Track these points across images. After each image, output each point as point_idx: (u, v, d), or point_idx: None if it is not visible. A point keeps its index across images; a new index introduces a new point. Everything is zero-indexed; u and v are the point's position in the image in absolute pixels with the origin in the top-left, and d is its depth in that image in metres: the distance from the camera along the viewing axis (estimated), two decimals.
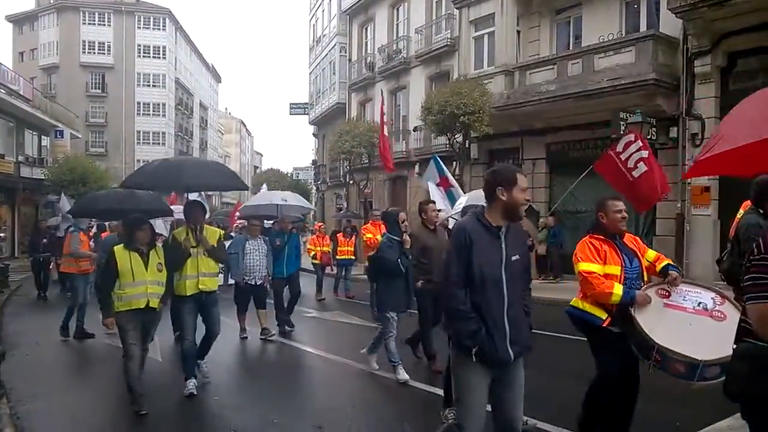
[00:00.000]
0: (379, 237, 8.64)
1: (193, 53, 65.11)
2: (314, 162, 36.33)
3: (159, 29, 53.40)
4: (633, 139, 6.77)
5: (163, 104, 53.39)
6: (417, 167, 21.28)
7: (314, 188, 31.68)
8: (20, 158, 27.75)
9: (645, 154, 6.61)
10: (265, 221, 11.03)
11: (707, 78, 12.23)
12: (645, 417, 4.74)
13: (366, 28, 26.55)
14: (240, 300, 8.63)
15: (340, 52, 28.04)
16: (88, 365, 7.20)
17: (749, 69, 12.07)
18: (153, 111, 52.77)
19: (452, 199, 9.20)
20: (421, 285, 6.07)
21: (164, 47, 53.41)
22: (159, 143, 52.96)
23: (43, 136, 31.17)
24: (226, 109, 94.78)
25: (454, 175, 17.66)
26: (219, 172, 6.77)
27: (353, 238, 14.45)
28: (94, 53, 50.61)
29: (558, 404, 5.07)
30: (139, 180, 6.30)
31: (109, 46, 50.86)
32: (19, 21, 52.60)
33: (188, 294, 5.46)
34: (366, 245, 9.33)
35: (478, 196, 7.32)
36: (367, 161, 21.64)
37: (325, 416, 4.89)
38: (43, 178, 27.13)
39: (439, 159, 9.93)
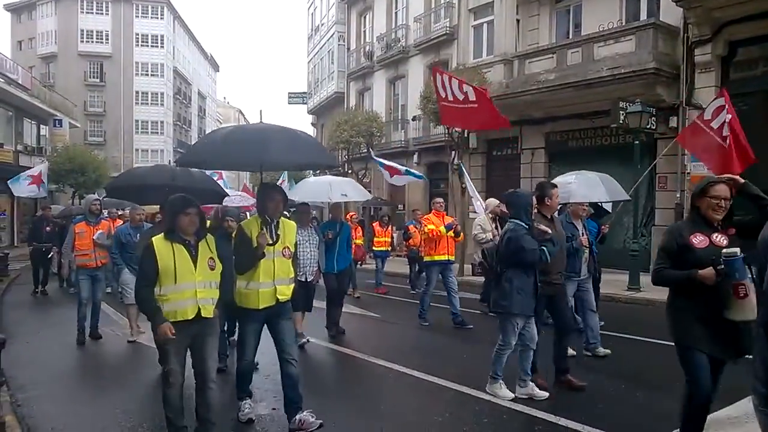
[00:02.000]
0: (442, 229, 8.20)
1: (191, 42, 64.78)
2: None
3: (157, 18, 53.10)
4: (723, 103, 6.76)
5: (162, 93, 53.21)
6: (416, 157, 21.27)
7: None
8: (19, 147, 27.67)
9: (729, 117, 6.68)
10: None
11: (707, 67, 12.18)
12: (644, 408, 4.79)
13: (364, 17, 26.40)
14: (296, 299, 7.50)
15: (339, 41, 27.90)
16: (89, 352, 7.22)
17: (749, 58, 12.02)
18: (151, 100, 52.61)
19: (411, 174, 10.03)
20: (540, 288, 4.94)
21: (162, 36, 53.14)
22: (157, 132, 52.88)
23: (41, 126, 31.07)
24: (224, 98, 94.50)
25: (452, 165, 17.74)
26: (313, 146, 5.01)
27: (390, 227, 13.82)
28: (92, 42, 50.38)
29: (570, 396, 5.10)
30: (203, 155, 4.78)
31: (107, 35, 50.63)
32: (18, 10, 52.29)
33: (260, 307, 4.19)
34: (428, 238, 8.40)
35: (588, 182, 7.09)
36: (365, 150, 21.60)
37: None
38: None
39: (379, 159, 10.50)
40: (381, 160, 10.33)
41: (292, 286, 4.36)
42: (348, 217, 13.30)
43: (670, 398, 4.84)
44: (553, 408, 4.66)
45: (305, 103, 35.04)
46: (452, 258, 8.43)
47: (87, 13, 50.31)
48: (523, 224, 4.80)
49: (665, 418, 4.37)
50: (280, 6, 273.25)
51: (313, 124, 35.96)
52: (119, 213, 11.43)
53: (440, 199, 9.05)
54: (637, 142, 11.62)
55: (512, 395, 4.82)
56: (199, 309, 3.74)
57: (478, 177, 18.52)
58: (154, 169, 7.77)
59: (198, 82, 67.32)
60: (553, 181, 6.24)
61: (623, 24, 13.94)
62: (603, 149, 14.66)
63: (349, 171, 24.33)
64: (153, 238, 3.77)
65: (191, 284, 3.72)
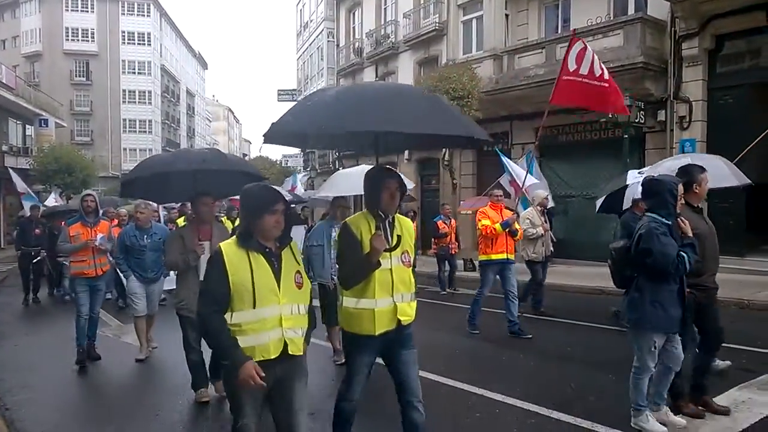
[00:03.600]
0: (497, 227, 7.17)
1: (178, 39, 64.27)
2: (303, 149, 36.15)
3: (143, 15, 52.59)
4: (582, 45, 6.44)
5: (149, 92, 52.74)
6: (407, 153, 21.24)
7: (305, 175, 31.59)
8: (4, 148, 27.34)
9: (592, 54, 6.47)
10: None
11: (695, 60, 12.25)
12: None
13: (353, 13, 26.32)
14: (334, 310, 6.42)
15: (328, 37, 27.79)
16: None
17: (736, 51, 12.11)
18: (139, 99, 52.11)
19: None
20: (688, 295, 3.98)
21: (149, 34, 52.65)
22: (146, 131, 52.42)
23: (27, 125, 30.72)
24: (213, 96, 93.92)
25: (443, 161, 17.73)
26: (447, 113, 3.32)
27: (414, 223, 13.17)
28: (78, 40, 49.78)
29: (562, 389, 5.11)
30: (300, 122, 3.11)
31: (92, 33, 50.05)
32: (0, 8, 51.58)
33: (376, 333, 3.14)
34: (482, 235, 7.37)
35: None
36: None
37: None
38: (29, 167, 26.79)
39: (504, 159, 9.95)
40: (512, 166, 9.84)
41: (415, 303, 3.33)
42: (444, 209, 12.20)
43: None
44: (548, 402, 4.68)
45: (295, 101, 34.85)
46: (512, 257, 7.42)
47: (72, 10, 49.69)
48: (663, 219, 3.82)
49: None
50: (268, 2, 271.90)
51: None
52: (114, 212, 10.28)
53: (499, 191, 7.81)
54: (626, 136, 11.69)
55: (663, 429, 3.97)
56: (285, 344, 2.68)
57: (469, 173, 18.55)
58: (178, 153, 6.63)
59: (186, 80, 66.82)
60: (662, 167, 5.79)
61: (611, 18, 13.98)
62: (593, 143, 14.74)
63: (341, 168, 24.27)
64: (221, 245, 2.71)
65: (275, 309, 2.67)
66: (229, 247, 2.68)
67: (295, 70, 34.66)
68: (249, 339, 2.62)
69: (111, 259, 6.80)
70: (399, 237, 3.23)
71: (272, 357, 2.66)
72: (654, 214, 3.88)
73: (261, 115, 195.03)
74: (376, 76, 23.74)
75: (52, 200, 17.09)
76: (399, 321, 3.18)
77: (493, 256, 7.31)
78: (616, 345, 6.49)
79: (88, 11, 50.09)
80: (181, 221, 9.67)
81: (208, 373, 5.03)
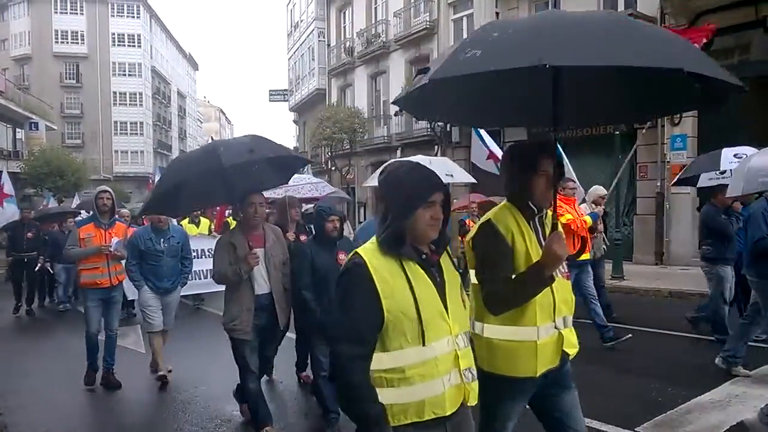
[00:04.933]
0: (587, 219, 6.31)
1: (169, 41, 63.98)
2: (295, 149, 36.02)
3: (133, 17, 52.31)
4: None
5: (140, 93, 52.48)
6: (399, 152, 21.26)
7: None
8: None
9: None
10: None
11: None
12: (627, 393, 4.83)
13: (344, 13, 26.30)
14: None
15: (319, 37, 27.76)
16: (72, 360, 7.10)
17: (726, 47, 12.17)
18: (130, 101, 51.85)
19: None
20: None
21: (139, 35, 52.38)
22: (137, 133, 52.17)
23: (17, 129, 30.51)
24: (204, 97, 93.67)
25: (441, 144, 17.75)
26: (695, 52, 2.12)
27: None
28: (67, 43, 49.48)
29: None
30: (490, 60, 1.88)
31: (82, 36, 49.76)
32: None
33: (537, 374, 2.29)
34: (566, 229, 5.97)
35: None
36: (348, 147, 21.53)
37: None
38: (19, 171, 26.62)
39: (480, 131, 8.65)
40: (486, 136, 8.71)
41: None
42: (466, 205, 10.81)
43: (658, 386, 4.91)
44: None
45: (286, 101, 34.84)
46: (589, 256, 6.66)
47: (61, 13, 49.38)
48: None
49: (654, 406, 4.42)
50: (258, 3, 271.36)
51: (294, 121, 35.78)
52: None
53: (572, 183, 6.67)
54: (617, 132, 11.73)
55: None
56: (466, 392, 1.89)
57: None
58: (213, 149, 4.13)
59: (177, 82, 66.54)
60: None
61: None
62: (584, 140, 14.78)
63: (333, 168, 24.26)
64: (363, 254, 1.84)
65: (448, 343, 1.86)
66: (373, 256, 1.82)
67: (286, 70, 34.62)
68: (416, 391, 1.78)
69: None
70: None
71: (448, 413, 1.84)
72: None
73: (253, 116, 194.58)
74: (368, 76, 23.77)
75: (53, 203, 17.07)
76: (564, 355, 2.35)
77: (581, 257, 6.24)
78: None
79: (77, 13, 49.80)
80: (185, 223, 9.19)
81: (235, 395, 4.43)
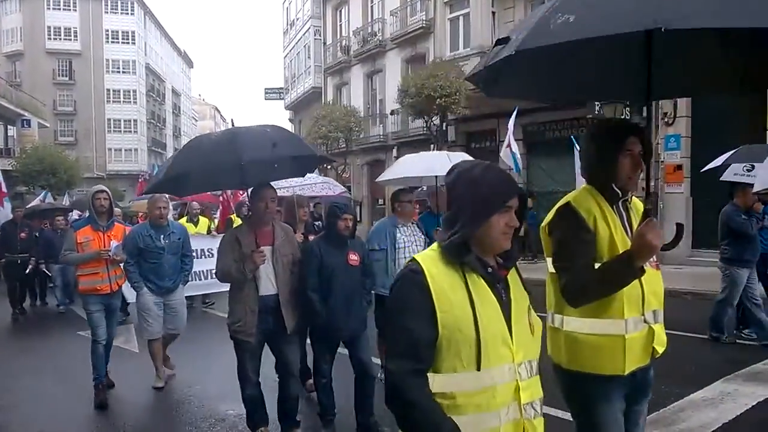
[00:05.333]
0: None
1: (163, 38, 63.69)
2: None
3: (127, 14, 52.08)
4: None
5: (134, 91, 52.26)
6: (395, 151, 21.28)
7: None
8: None
9: None
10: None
11: None
12: None
13: (340, 11, 26.27)
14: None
15: (315, 35, 27.72)
16: (64, 358, 7.09)
17: None
18: (123, 98, 51.62)
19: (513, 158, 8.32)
20: None
21: (133, 32, 52.14)
22: (131, 131, 51.94)
23: (9, 126, 30.32)
24: (199, 95, 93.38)
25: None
26: None
27: None
28: (60, 39, 49.17)
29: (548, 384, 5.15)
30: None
31: (75, 32, 49.46)
32: None
33: (625, 372, 2.09)
34: None
35: None
36: (344, 145, 21.52)
37: None
38: (11, 169, 26.41)
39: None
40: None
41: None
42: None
43: (659, 382, 4.95)
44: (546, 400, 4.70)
45: (282, 99, 34.76)
46: None
47: (54, 9, 49.06)
48: None
49: (653, 403, 4.45)
50: (254, 0, 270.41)
51: (290, 119, 35.70)
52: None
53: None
54: None
55: None
56: (524, 429, 1.64)
57: None
58: (233, 137, 3.87)
59: (171, 79, 66.26)
60: None
61: None
62: (575, 140, 14.84)
63: (328, 167, 24.24)
64: (420, 262, 1.62)
65: (509, 371, 1.62)
66: (432, 264, 1.59)
67: (282, 69, 34.54)
68: (467, 422, 1.55)
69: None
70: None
71: None
72: None
73: (248, 114, 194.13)
74: (364, 75, 23.76)
75: (50, 198, 16.95)
76: (654, 351, 2.17)
77: None
78: None
79: (70, 9, 49.51)
80: (183, 221, 8.89)
81: (278, 418, 4.11)
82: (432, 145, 16.73)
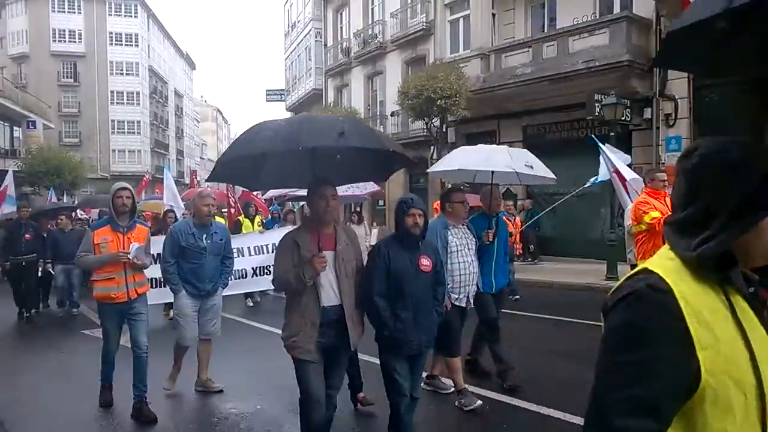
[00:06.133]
0: None
1: (166, 40, 63.92)
2: None
3: (131, 16, 52.29)
4: None
5: (137, 93, 52.45)
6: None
7: None
8: None
9: None
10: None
11: None
12: None
13: (341, 13, 26.33)
14: (451, 336, 4.63)
15: (316, 37, 27.78)
16: (67, 355, 7.14)
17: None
18: (127, 100, 51.83)
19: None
20: None
21: (137, 35, 52.36)
22: (134, 132, 52.14)
23: (15, 127, 30.46)
24: (201, 96, 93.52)
25: (431, 160, 17.79)
26: None
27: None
28: (65, 41, 49.43)
29: (551, 385, 5.18)
30: None
31: (80, 34, 49.71)
32: None
33: None
34: (646, 233, 5.49)
35: None
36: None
37: None
38: (17, 170, 26.58)
39: (602, 147, 8.48)
40: (611, 156, 8.28)
41: None
42: (507, 205, 9.82)
43: None
44: (537, 398, 4.74)
45: (283, 101, 34.83)
46: None
47: (59, 12, 49.31)
48: None
49: None
50: (255, 3, 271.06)
51: None
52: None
53: (663, 174, 5.69)
54: (612, 133, 11.80)
55: None
56: None
57: None
58: (304, 120, 3.90)
59: (174, 81, 66.48)
60: None
61: (597, 17, 14.11)
62: (579, 141, 14.85)
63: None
64: (662, 274, 1.11)
65: None
66: (679, 278, 1.12)
67: (283, 70, 34.58)
68: None
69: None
70: None
71: None
72: None
73: (250, 116, 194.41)
74: (364, 76, 23.80)
75: (54, 198, 17.00)
76: None
77: None
78: None
79: (75, 12, 49.74)
80: None
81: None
82: (432, 147, 16.78)
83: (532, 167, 5.60)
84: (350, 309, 3.42)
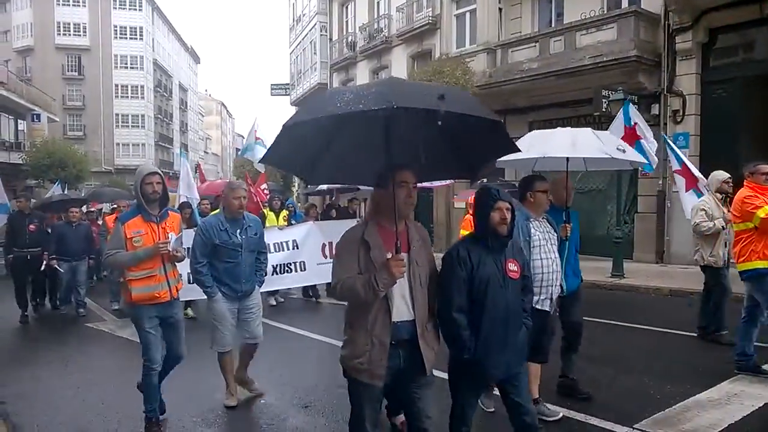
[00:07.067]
0: None
1: (170, 34, 63.90)
2: None
3: (135, 9, 52.28)
4: None
5: (142, 86, 52.51)
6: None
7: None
8: None
9: None
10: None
11: (688, 54, 12.28)
12: (626, 390, 4.84)
13: (346, 7, 26.23)
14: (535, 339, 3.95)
15: (321, 31, 27.70)
16: (72, 348, 7.13)
17: (730, 45, 12.15)
18: (131, 93, 51.89)
19: (642, 153, 7.06)
20: None
21: (141, 28, 52.36)
22: (138, 126, 52.23)
23: (19, 120, 30.53)
24: (206, 90, 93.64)
25: None
26: None
27: None
28: (70, 35, 49.46)
29: (554, 382, 5.13)
30: None
31: (84, 28, 49.73)
32: None
33: None
34: (762, 230, 4.92)
35: None
36: None
37: None
38: (21, 162, 26.68)
39: (630, 104, 8.37)
40: (631, 110, 8.19)
41: None
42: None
43: (652, 382, 4.92)
44: (544, 397, 4.68)
45: (288, 95, 34.76)
46: None
47: (63, 5, 49.31)
48: None
49: (653, 403, 4.43)
50: None
51: None
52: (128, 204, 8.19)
53: (766, 166, 5.13)
54: None
55: None
56: None
57: None
58: (393, 81, 2.93)
59: (179, 75, 66.49)
60: None
61: (605, 12, 13.98)
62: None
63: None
64: None
65: None
66: None
67: (288, 65, 34.50)
68: None
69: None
70: None
71: None
72: None
73: (254, 110, 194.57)
74: (370, 71, 23.71)
75: (58, 190, 16.86)
76: None
77: None
78: (612, 339, 6.53)
79: (79, 5, 49.76)
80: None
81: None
82: None
83: (624, 151, 4.95)
84: (424, 326, 2.77)
